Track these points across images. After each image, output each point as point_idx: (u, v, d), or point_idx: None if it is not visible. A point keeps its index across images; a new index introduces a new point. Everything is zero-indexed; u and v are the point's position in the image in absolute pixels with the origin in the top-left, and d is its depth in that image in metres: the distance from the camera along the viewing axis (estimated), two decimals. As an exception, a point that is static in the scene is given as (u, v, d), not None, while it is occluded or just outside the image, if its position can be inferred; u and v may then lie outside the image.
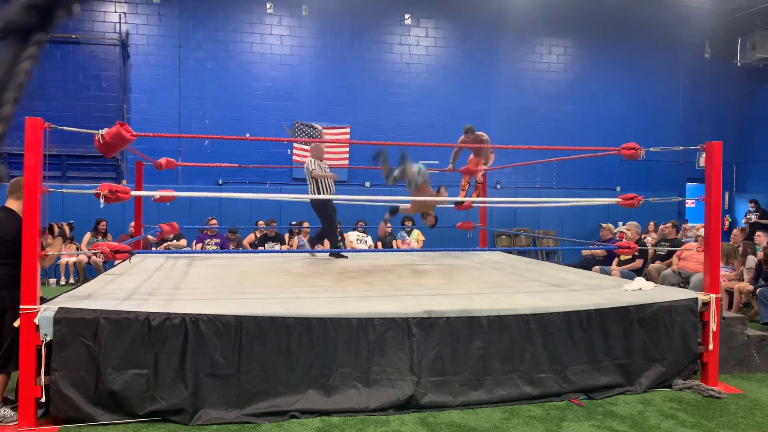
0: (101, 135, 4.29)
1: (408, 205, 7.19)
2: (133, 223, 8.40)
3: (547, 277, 5.99)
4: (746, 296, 7.32)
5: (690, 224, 12.28)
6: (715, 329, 4.70)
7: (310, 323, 3.99)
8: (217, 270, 6.28)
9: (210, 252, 8.94)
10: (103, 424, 3.70)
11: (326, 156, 12.14)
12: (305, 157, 10.30)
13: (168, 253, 8.20)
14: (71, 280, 9.89)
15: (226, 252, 9.14)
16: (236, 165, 9.94)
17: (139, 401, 3.75)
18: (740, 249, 8.01)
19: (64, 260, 9.87)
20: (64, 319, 3.71)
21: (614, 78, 14.35)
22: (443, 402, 4.08)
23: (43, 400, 3.67)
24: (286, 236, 10.83)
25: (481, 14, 13.50)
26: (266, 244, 10.29)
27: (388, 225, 8.52)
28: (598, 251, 8.97)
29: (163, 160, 7.33)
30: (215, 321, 3.87)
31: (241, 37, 12.50)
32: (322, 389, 3.99)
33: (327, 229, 7.71)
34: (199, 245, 9.96)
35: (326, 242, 7.78)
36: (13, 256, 3.82)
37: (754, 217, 13.10)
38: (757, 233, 8.72)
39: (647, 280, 5.60)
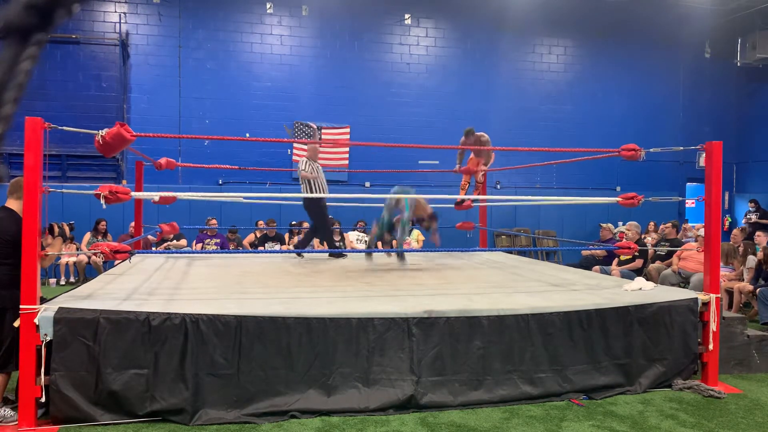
0: (101, 135, 4.29)
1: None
2: (133, 223, 8.41)
3: (547, 277, 5.99)
4: (746, 296, 7.32)
5: (690, 224, 12.28)
6: (715, 329, 4.70)
7: (310, 323, 3.99)
8: (217, 270, 6.28)
9: (210, 252, 8.94)
10: (103, 424, 3.70)
11: (326, 156, 12.21)
12: (302, 156, 10.30)
13: (168, 253, 8.20)
14: (71, 280, 9.89)
15: (226, 252, 9.14)
16: (236, 167, 9.93)
17: (139, 401, 3.75)
18: (740, 249, 8.01)
19: (64, 260, 9.87)
20: (64, 319, 3.71)
21: (614, 78, 14.34)
22: (443, 402, 4.08)
23: (43, 400, 3.67)
24: (286, 236, 10.84)
25: (481, 14, 13.50)
26: (266, 244, 10.29)
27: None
28: (598, 251, 8.96)
29: (163, 160, 7.33)
30: (215, 321, 3.87)
31: (241, 37, 12.50)
32: (322, 389, 3.99)
33: (320, 229, 7.70)
34: (199, 245, 9.96)
35: (318, 242, 7.77)
36: (13, 256, 3.82)
37: (754, 217, 13.10)
38: (757, 233, 8.74)
39: (647, 280, 5.60)
